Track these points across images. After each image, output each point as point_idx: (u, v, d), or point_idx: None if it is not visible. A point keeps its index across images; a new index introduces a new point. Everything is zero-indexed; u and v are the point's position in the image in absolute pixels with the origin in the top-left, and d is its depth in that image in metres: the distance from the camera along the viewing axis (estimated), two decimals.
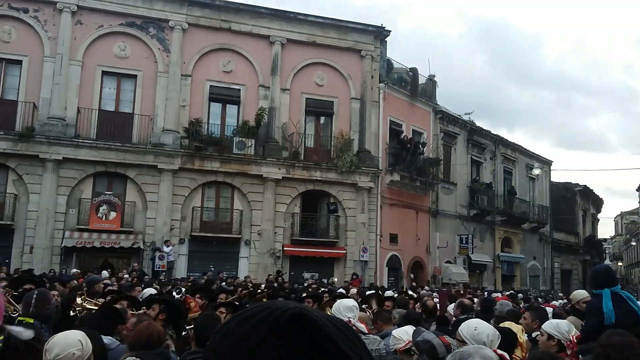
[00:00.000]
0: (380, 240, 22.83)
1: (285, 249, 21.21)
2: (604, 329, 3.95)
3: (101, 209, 19.19)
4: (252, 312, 0.89)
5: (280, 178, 21.36)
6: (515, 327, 4.35)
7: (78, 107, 19.62)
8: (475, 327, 3.32)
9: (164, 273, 18.16)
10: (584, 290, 4.27)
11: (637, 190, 60.92)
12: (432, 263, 25.96)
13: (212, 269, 19.12)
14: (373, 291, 10.30)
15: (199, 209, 20.83)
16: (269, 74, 22.00)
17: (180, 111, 20.74)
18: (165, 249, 18.91)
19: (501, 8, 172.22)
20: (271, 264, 20.69)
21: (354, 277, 20.60)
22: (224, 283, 15.56)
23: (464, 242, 27.32)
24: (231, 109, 22.01)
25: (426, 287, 20.74)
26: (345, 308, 3.99)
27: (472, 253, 27.61)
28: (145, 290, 7.89)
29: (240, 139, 20.92)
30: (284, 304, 0.88)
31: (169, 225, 19.88)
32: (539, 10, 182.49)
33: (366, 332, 4.11)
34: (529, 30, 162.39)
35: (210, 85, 21.49)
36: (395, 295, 10.51)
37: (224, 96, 21.87)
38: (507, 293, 17.08)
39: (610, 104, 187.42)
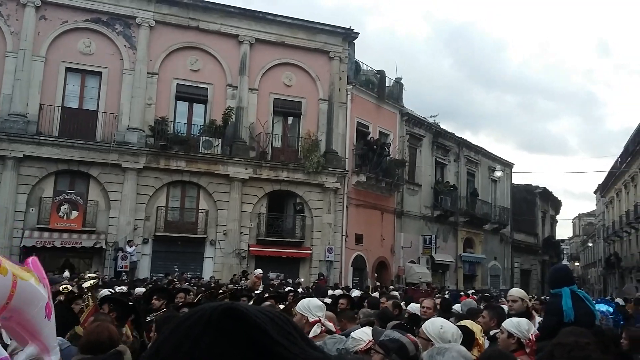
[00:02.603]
0: (345, 240, 23.03)
1: (251, 249, 21.18)
2: (564, 327, 4.14)
3: (62, 208, 18.80)
4: (188, 314, 0.93)
5: (247, 178, 21.33)
6: (474, 327, 4.49)
7: (40, 104, 19.18)
8: (441, 326, 3.46)
9: (125, 274, 17.91)
10: (516, 289, 4.44)
11: (595, 192, 62.83)
12: (396, 263, 26.31)
13: (176, 269, 18.93)
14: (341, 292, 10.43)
15: (164, 208, 20.62)
16: (237, 74, 21.93)
17: (146, 109, 20.49)
18: (128, 249, 18.66)
19: (466, 12, 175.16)
20: (236, 264, 20.64)
21: (320, 277, 20.73)
22: (187, 283, 15.44)
23: (427, 243, 27.78)
24: (198, 108, 21.85)
25: (391, 287, 21.03)
26: (315, 307, 4.07)
27: (435, 253, 28.10)
28: (102, 290, 7.86)
29: (207, 138, 20.80)
30: (217, 303, 0.95)
31: (133, 225, 19.61)
32: (503, 15, 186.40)
33: (334, 331, 4.21)
34: (494, 34, 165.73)
35: (177, 84, 21.29)
36: (359, 295, 10.65)
37: (191, 95, 21.70)
38: (471, 292, 17.47)
39: (571, 108, 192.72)
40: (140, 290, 7.79)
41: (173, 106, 21.29)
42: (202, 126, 21.34)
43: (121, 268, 18.13)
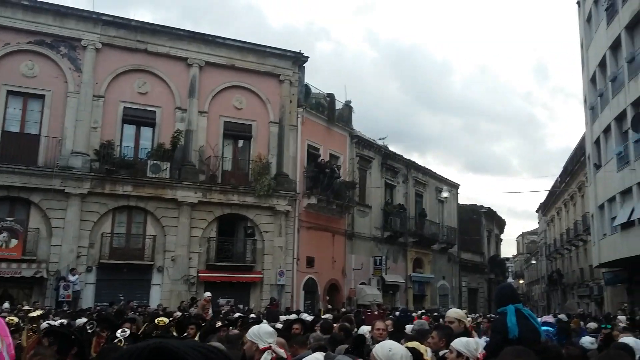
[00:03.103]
0: (297, 263, 22.94)
1: (200, 274, 20.76)
2: (508, 343, 4.24)
3: (1, 236, 17.94)
4: (121, 353, 0.94)
5: (196, 202, 21.00)
6: (421, 347, 4.56)
7: None
8: (389, 349, 3.51)
9: (67, 304, 17.18)
10: (453, 310, 4.53)
11: (537, 211, 65.13)
12: (347, 285, 26.36)
13: (122, 298, 18.30)
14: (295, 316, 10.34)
15: (109, 235, 19.99)
16: (186, 96, 21.73)
17: (92, 133, 19.96)
18: (71, 278, 17.95)
19: (412, 35, 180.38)
20: (185, 291, 20.16)
21: (273, 301, 20.53)
22: (134, 312, 14.95)
23: (378, 264, 28.00)
24: (146, 132, 21.46)
25: (343, 309, 21.02)
26: (265, 333, 4.04)
27: (386, 274, 28.34)
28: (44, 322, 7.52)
29: (155, 162, 20.41)
30: (146, 343, 0.95)
31: (76, 252, 18.90)
32: (447, 39, 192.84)
33: (285, 357, 4.17)
34: (439, 57, 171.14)
35: (124, 107, 20.88)
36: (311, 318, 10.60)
37: (139, 118, 21.30)
38: (420, 312, 17.66)
39: (512, 130, 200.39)
40: (82, 320, 7.48)
41: (120, 130, 20.83)
42: (149, 150, 20.95)
43: (63, 298, 17.38)
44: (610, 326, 7.23)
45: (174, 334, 7.38)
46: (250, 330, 4.16)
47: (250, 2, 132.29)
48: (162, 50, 21.56)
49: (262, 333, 4.02)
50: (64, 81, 19.92)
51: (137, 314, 14.29)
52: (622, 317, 12.42)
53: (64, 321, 8.01)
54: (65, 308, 16.32)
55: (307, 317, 11.37)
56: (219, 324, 7.24)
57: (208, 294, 16.35)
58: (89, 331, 6.46)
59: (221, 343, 4.49)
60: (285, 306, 20.89)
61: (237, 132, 23.17)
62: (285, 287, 22.16)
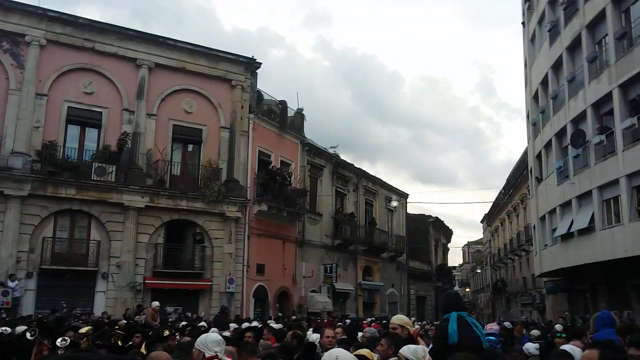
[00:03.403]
0: (247, 270, 22.69)
1: (146, 281, 20.20)
2: (451, 350, 4.30)
3: None
4: None
5: (143, 207, 20.46)
6: (369, 355, 4.57)
7: None
8: (337, 356, 3.50)
9: (6, 311, 16.36)
10: (397, 316, 4.57)
11: (482, 222, 66.95)
12: (297, 292, 26.28)
13: (65, 305, 17.58)
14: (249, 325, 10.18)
15: (51, 239, 19.19)
16: (134, 98, 21.20)
17: (33, 133, 19.15)
18: (10, 284, 17.09)
19: (362, 45, 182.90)
20: (131, 298, 19.57)
21: (224, 309, 20.21)
22: (77, 320, 14.41)
23: (328, 271, 28.08)
24: (91, 133, 20.78)
25: (293, 317, 20.93)
26: (212, 342, 3.95)
27: (336, 282, 28.43)
28: None
29: (100, 164, 19.78)
30: (59, 356, 0.88)
31: (15, 257, 18.02)
32: (398, 51, 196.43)
33: None
34: (389, 68, 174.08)
35: (68, 107, 20.15)
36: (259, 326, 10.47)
37: (84, 118, 20.61)
38: (369, 319, 17.75)
39: (459, 143, 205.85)
40: (21, 328, 7.09)
41: (63, 130, 20.08)
42: (95, 152, 20.29)
43: (2, 305, 16.54)
44: (564, 335, 7.50)
45: (118, 342, 7.12)
46: (198, 339, 4.06)
47: (203, 5, 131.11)
48: (110, 50, 20.99)
49: (209, 342, 3.94)
50: (5, 78, 19.07)
51: (81, 321, 13.78)
52: (558, 326, 12.93)
53: (6, 329, 7.58)
54: (3, 315, 15.54)
55: (255, 324, 11.24)
56: (166, 332, 7.03)
57: (156, 303, 15.97)
58: (30, 339, 6.15)
59: (169, 352, 4.35)
60: (235, 314, 20.60)
61: (186, 136, 22.77)
62: (235, 295, 21.87)
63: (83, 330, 7.19)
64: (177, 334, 6.88)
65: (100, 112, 20.79)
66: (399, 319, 4.34)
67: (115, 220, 20.06)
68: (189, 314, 19.21)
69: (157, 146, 21.32)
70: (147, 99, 21.38)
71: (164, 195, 21.00)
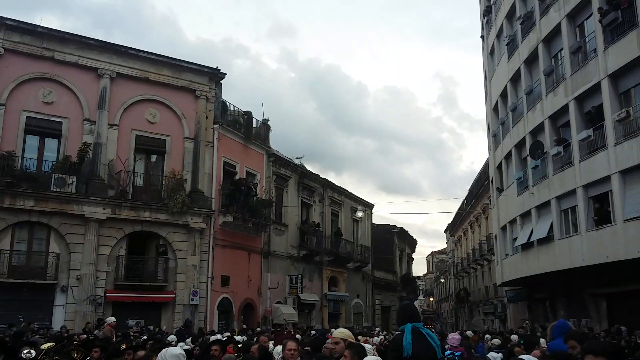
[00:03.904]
0: (211, 282, 22.42)
1: (107, 294, 19.76)
2: None
3: None
4: None
5: (105, 218, 20.05)
6: None
7: None
8: None
9: None
10: (340, 330, 4.61)
11: (445, 232, 67.87)
12: (263, 304, 26.10)
13: (22, 319, 17.00)
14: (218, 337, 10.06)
15: (8, 252, 18.60)
16: (95, 108, 20.83)
17: None
18: None
19: (327, 56, 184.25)
20: (91, 312, 19.10)
21: (187, 322, 19.90)
22: (35, 335, 13.99)
23: (294, 282, 28.00)
24: (51, 143, 20.30)
25: (258, 329, 20.76)
26: (172, 356, 3.92)
27: (302, 293, 28.37)
28: None
29: (60, 175, 19.33)
30: None
31: None
32: (360, 61, 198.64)
33: None
34: (354, 79, 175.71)
35: (27, 116, 19.67)
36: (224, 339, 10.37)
37: (43, 129, 20.12)
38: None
39: (423, 153, 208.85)
40: None
41: (22, 140, 19.56)
42: (54, 162, 19.82)
43: None
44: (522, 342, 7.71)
45: (74, 357, 6.95)
46: (159, 354, 4.02)
47: (166, 15, 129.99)
48: (70, 59, 20.61)
49: (168, 356, 3.91)
50: None
51: (39, 336, 13.40)
52: (514, 337, 13.25)
53: None
54: None
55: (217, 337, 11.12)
56: (123, 346, 6.90)
57: (112, 318, 15.61)
58: None
59: None
60: (199, 327, 20.32)
61: (150, 147, 22.46)
62: (198, 307, 21.56)
63: (45, 346, 6.99)
64: (136, 349, 6.73)
65: (60, 122, 20.35)
66: (340, 332, 4.35)
67: (76, 232, 19.59)
68: (151, 328, 18.84)
69: (119, 157, 20.96)
70: (108, 109, 21.04)
71: (126, 206, 20.63)
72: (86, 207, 19.69)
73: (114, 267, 20.25)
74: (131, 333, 14.83)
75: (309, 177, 31.75)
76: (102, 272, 19.81)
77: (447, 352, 5.31)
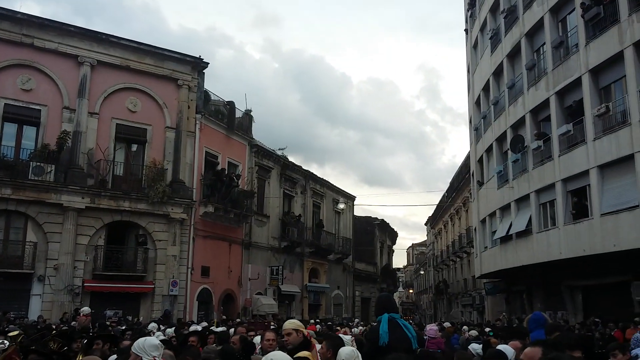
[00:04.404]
0: (191, 273, 22.32)
1: (85, 284, 19.57)
2: (382, 351, 4.39)
3: None
4: None
5: (84, 208, 19.81)
6: (310, 356, 4.60)
7: None
8: (271, 358, 3.54)
9: None
10: (290, 320, 4.63)
11: (425, 224, 68.36)
12: (243, 295, 26.07)
13: None
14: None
15: None
16: (75, 96, 20.52)
17: None
18: None
19: (311, 47, 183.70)
20: (69, 302, 18.91)
21: (167, 313, 19.80)
22: (11, 324, 13.80)
23: (274, 274, 28.01)
24: (29, 131, 19.97)
25: (238, 320, 20.75)
26: (150, 346, 3.87)
27: (282, 284, 28.40)
28: None
29: (38, 163, 19.03)
30: None
31: None
32: (344, 53, 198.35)
33: None
34: (339, 70, 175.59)
35: (5, 104, 19.32)
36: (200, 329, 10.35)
37: (21, 116, 19.77)
38: (312, 321, 17.84)
39: (405, 146, 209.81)
40: None
41: None
42: (32, 150, 19.51)
43: None
44: (492, 333, 7.78)
45: (52, 347, 6.85)
46: (135, 343, 3.97)
47: (148, 3, 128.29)
48: (50, 46, 20.24)
49: (147, 346, 3.86)
50: None
51: (14, 325, 13.21)
52: (487, 329, 13.43)
53: None
54: None
55: (194, 327, 11.10)
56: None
57: (86, 308, 15.45)
58: None
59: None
60: (178, 317, 20.24)
61: (130, 136, 22.20)
62: (178, 298, 21.46)
63: (13, 333, 6.88)
64: (109, 341, 6.61)
65: (39, 110, 20.02)
66: (291, 323, 4.37)
67: (54, 221, 19.34)
68: (130, 318, 18.73)
69: (99, 146, 20.70)
70: (89, 97, 20.74)
71: (105, 196, 20.40)
72: (65, 196, 19.43)
73: (92, 256, 20.05)
74: (109, 323, 14.74)
75: (291, 169, 31.70)
76: (80, 261, 19.60)
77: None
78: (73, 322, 14.99)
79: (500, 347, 5.56)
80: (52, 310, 18.48)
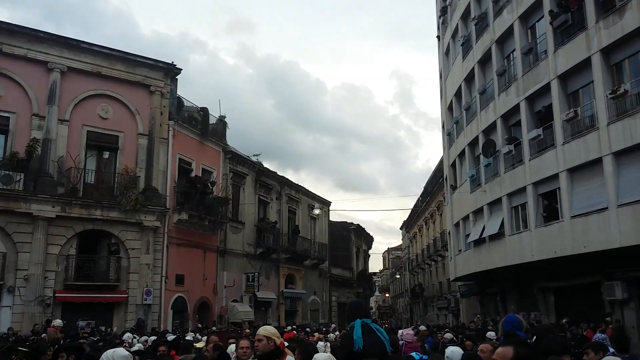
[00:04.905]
0: (165, 282, 22.03)
1: (57, 295, 19.16)
2: (356, 356, 4.41)
3: None
4: None
5: (54, 217, 19.43)
6: None
7: None
8: None
9: None
10: (264, 327, 4.62)
11: (401, 228, 68.83)
12: (218, 303, 25.84)
13: None
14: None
15: None
16: (45, 103, 20.14)
17: None
18: None
19: (285, 52, 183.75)
20: (40, 313, 18.48)
21: (140, 322, 19.49)
22: None
23: (250, 280, 27.83)
24: None
25: (213, 328, 20.56)
26: (120, 357, 3.82)
27: (258, 291, 28.24)
28: None
29: (7, 172, 18.61)
30: None
31: None
32: (318, 58, 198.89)
33: None
34: (312, 76, 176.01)
35: None
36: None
37: None
38: (289, 328, 17.76)
39: (380, 151, 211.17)
40: None
41: None
42: (1, 159, 19.07)
43: None
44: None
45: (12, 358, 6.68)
46: (104, 355, 3.91)
47: (120, 8, 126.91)
48: (19, 52, 19.86)
49: (116, 357, 3.81)
50: None
51: None
52: (447, 335, 12.95)
53: None
54: None
55: (171, 337, 10.94)
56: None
57: (58, 321, 15.14)
58: None
59: None
60: (152, 327, 19.96)
61: (102, 143, 21.87)
62: (152, 307, 21.15)
63: None
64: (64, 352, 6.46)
65: (8, 117, 19.61)
66: (264, 330, 4.35)
67: (23, 230, 18.92)
68: (103, 329, 18.40)
69: (69, 153, 20.34)
70: (59, 104, 20.38)
71: (76, 204, 20.04)
72: (34, 205, 19.03)
73: (63, 266, 19.66)
74: (81, 334, 14.44)
75: (266, 175, 31.60)
76: (51, 272, 19.21)
77: (414, 354, 5.43)
78: (43, 334, 14.65)
79: (448, 350, 5.67)
80: (22, 321, 18.04)
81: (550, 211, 18.62)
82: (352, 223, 46.68)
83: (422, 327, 15.89)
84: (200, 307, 24.55)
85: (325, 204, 40.20)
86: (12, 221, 18.79)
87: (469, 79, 26.03)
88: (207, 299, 25.07)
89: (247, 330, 17.00)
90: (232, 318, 25.67)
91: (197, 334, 14.78)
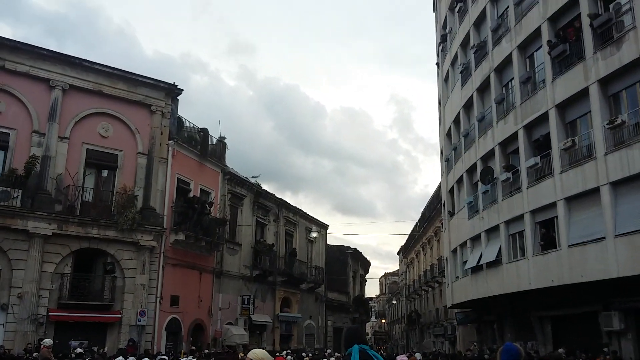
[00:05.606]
0: (160, 302, 21.82)
1: (50, 314, 18.95)
2: None
3: None
4: None
5: (50, 234, 19.32)
6: None
7: None
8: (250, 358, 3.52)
9: None
10: (255, 350, 4.56)
11: (398, 253, 68.57)
12: (213, 325, 25.58)
13: None
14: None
15: None
16: (45, 120, 20.20)
17: None
18: None
19: (285, 76, 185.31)
20: (32, 332, 18.25)
21: (130, 343, 19.25)
22: None
23: (245, 303, 27.59)
24: None
25: (206, 351, 20.32)
26: None
27: (253, 314, 27.98)
28: None
29: (5, 188, 18.57)
30: None
31: None
32: (318, 82, 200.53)
33: None
34: (311, 100, 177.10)
35: None
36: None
37: None
38: (285, 352, 17.59)
39: (378, 175, 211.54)
40: None
41: None
42: None
43: None
44: None
45: None
46: None
47: (123, 28, 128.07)
48: (21, 69, 20.00)
49: None
50: None
51: None
52: None
53: None
54: None
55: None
56: None
57: (48, 340, 14.92)
58: None
59: None
60: (145, 348, 19.71)
61: (101, 162, 21.88)
62: (146, 328, 20.90)
63: None
64: None
65: (8, 134, 19.64)
66: (254, 354, 4.31)
67: (19, 248, 18.79)
68: (95, 349, 18.16)
69: (68, 171, 20.33)
70: (59, 121, 20.45)
71: (73, 222, 19.96)
72: (31, 222, 18.95)
73: (58, 285, 19.48)
74: (73, 355, 14.28)
75: (264, 197, 31.58)
76: (45, 290, 19.02)
77: None
78: (35, 354, 14.48)
79: None
80: (15, 340, 17.80)
81: (548, 240, 18.58)
82: (349, 247, 46.51)
83: (418, 355, 15.72)
84: (194, 329, 24.29)
85: (323, 227, 40.09)
86: (8, 238, 18.68)
87: (468, 106, 26.22)
88: (202, 320, 24.82)
89: (242, 354, 16.81)
90: (227, 341, 25.38)
91: (191, 357, 14.64)
